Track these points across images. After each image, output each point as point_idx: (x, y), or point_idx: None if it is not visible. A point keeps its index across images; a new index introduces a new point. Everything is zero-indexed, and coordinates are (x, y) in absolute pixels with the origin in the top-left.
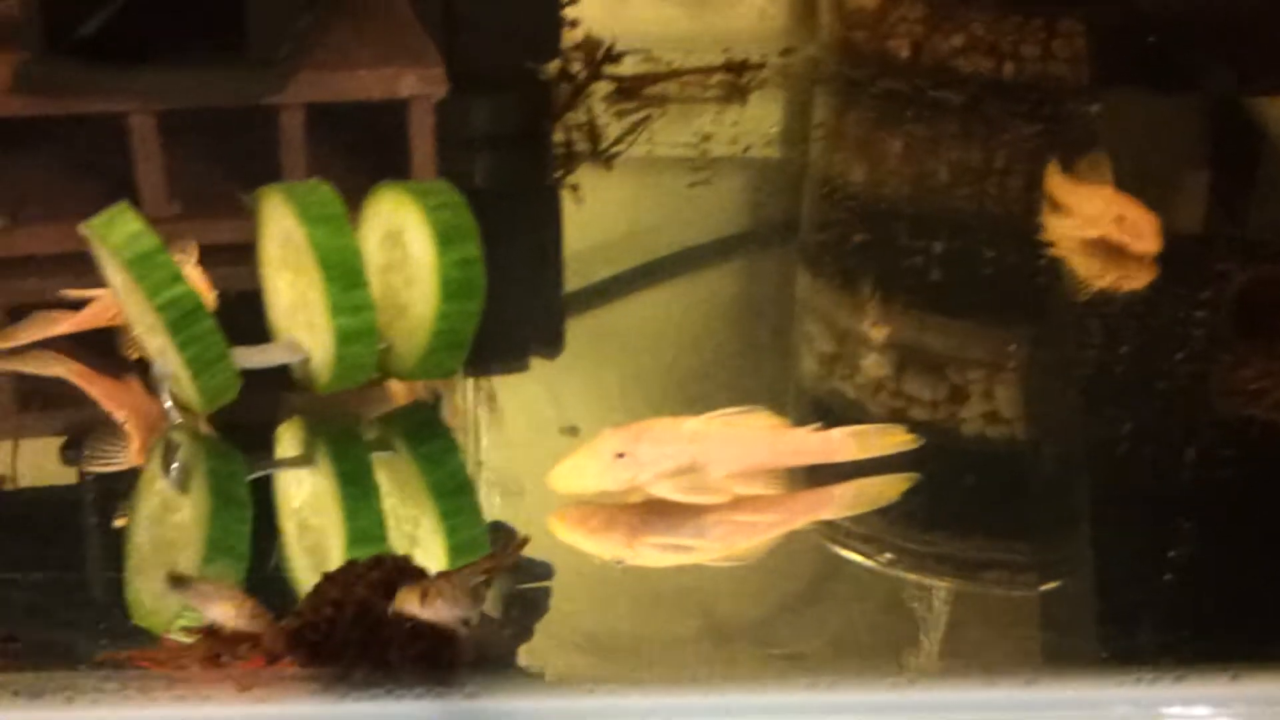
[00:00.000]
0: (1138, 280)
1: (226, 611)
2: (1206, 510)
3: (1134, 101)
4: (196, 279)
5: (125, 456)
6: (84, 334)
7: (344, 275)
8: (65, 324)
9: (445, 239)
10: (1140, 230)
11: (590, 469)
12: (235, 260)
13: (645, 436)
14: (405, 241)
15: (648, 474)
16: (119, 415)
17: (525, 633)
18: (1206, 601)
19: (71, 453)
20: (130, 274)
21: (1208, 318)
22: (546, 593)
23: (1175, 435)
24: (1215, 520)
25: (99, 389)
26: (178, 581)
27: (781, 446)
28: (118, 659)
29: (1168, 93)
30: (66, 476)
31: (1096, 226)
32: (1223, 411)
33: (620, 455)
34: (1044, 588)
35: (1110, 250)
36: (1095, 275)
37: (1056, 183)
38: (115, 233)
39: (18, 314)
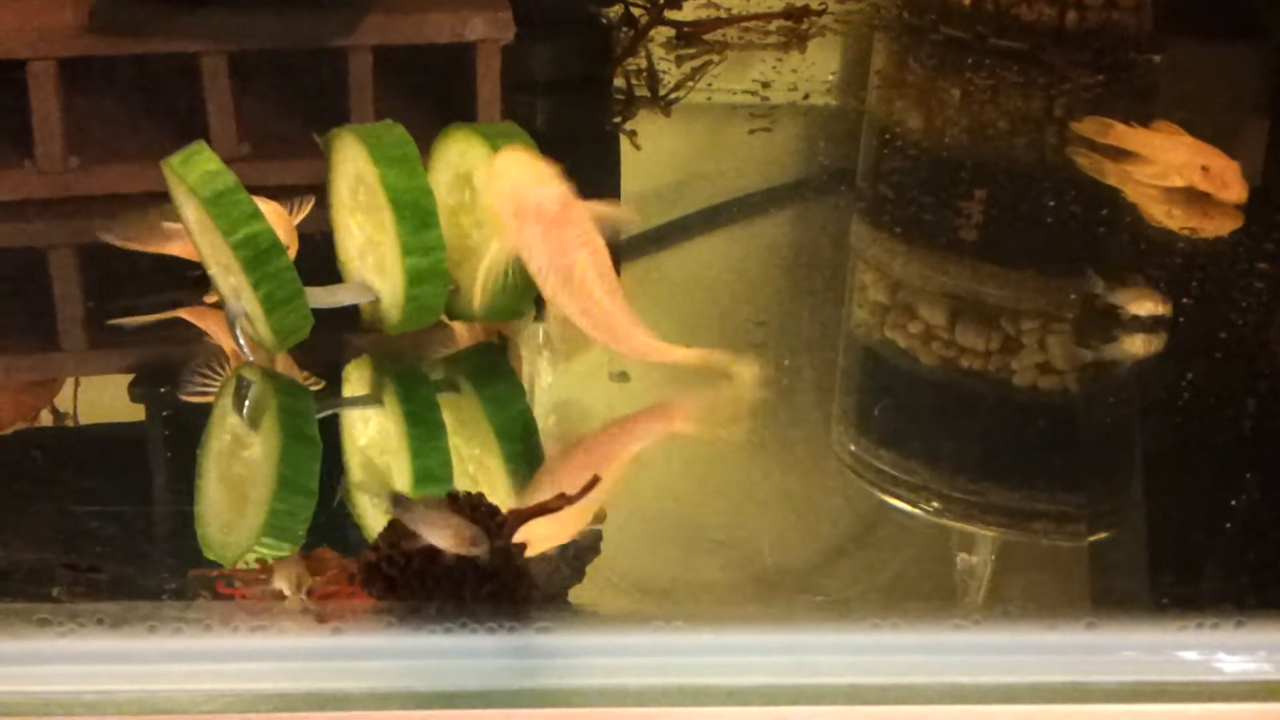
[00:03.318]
0: (1224, 228)
1: (445, 537)
2: (1267, 460)
3: (1197, 51)
4: (283, 226)
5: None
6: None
7: (415, 216)
8: (177, 245)
9: None
10: (1227, 179)
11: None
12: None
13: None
14: (475, 183)
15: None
16: (228, 349)
17: (580, 575)
18: (1267, 550)
19: (148, 389)
20: (207, 211)
21: (1269, 268)
22: (598, 537)
23: (1236, 385)
24: (1275, 470)
25: (215, 326)
26: (398, 501)
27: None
28: (206, 576)
29: (1231, 42)
30: (143, 411)
31: (1181, 175)
32: None
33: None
34: (1104, 536)
35: (1193, 199)
36: (1180, 223)
37: (1127, 131)
38: (193, 171)
39: (93, 251)
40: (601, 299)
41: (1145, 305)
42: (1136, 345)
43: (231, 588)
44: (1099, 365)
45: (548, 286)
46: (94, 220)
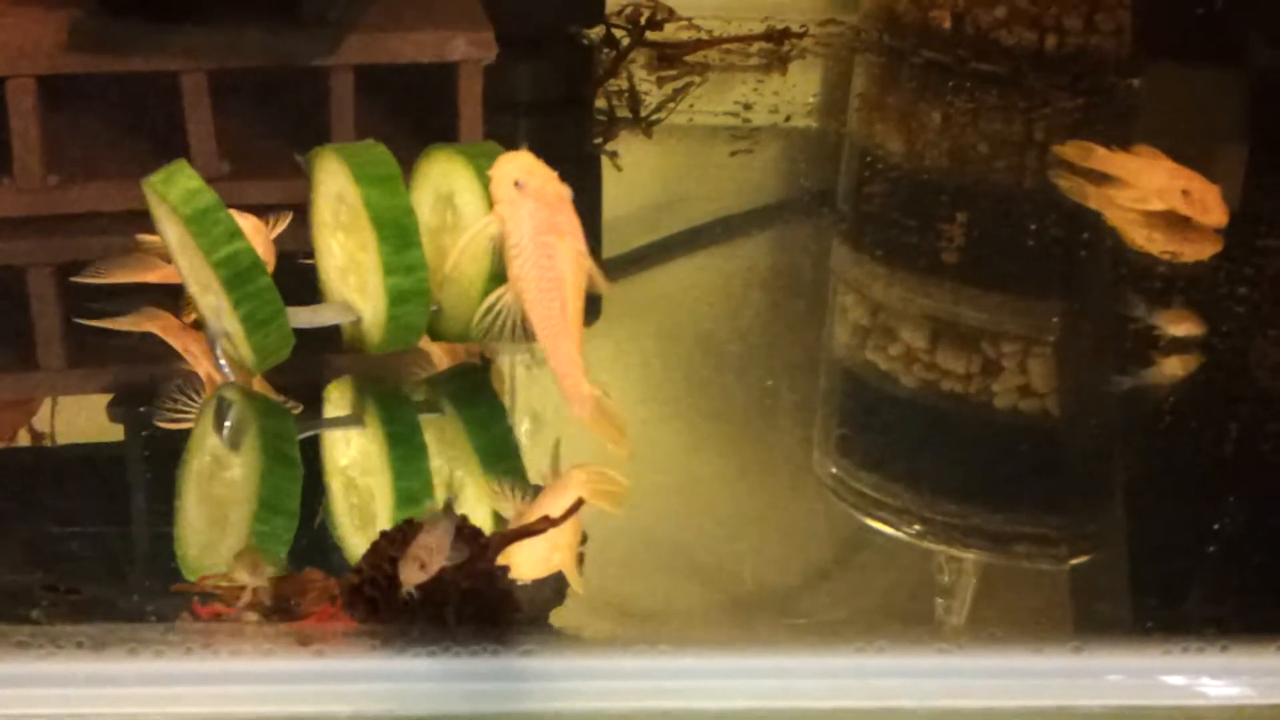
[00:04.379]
0: (1204, 251)
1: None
2: (1249, 483)
3: (1176, 76)
4: (261, 242)
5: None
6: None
7: (397, 235)
8: (156, 273)
9: None
10: (1207, 203)
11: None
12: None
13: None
14: (457, 204)
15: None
16: (202, 373)
17: (560, 596)
18: (1252, 574)
19: (127, 409)
20: (188, 230)
21: (1249, 293)
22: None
23: (1217, 408)
24: (1259, 493)
25: (188, 347)
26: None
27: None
28: (188, 591)
29: (1210, 67)
30: (122, 431)
31: (1162, 199)
32: (1264, 385)
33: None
34: (1086, 560)
35: (1173, 223)
36: (1160, 247)
37: (1108, 155)
38: (174, 189)
39: (72, 269)
40: (568, 292)
41: (1184, 326)
42: (1174, 367)
43: (209, 605)
44: (1136, 390)
45: (518, 261)
46: (73, 238)
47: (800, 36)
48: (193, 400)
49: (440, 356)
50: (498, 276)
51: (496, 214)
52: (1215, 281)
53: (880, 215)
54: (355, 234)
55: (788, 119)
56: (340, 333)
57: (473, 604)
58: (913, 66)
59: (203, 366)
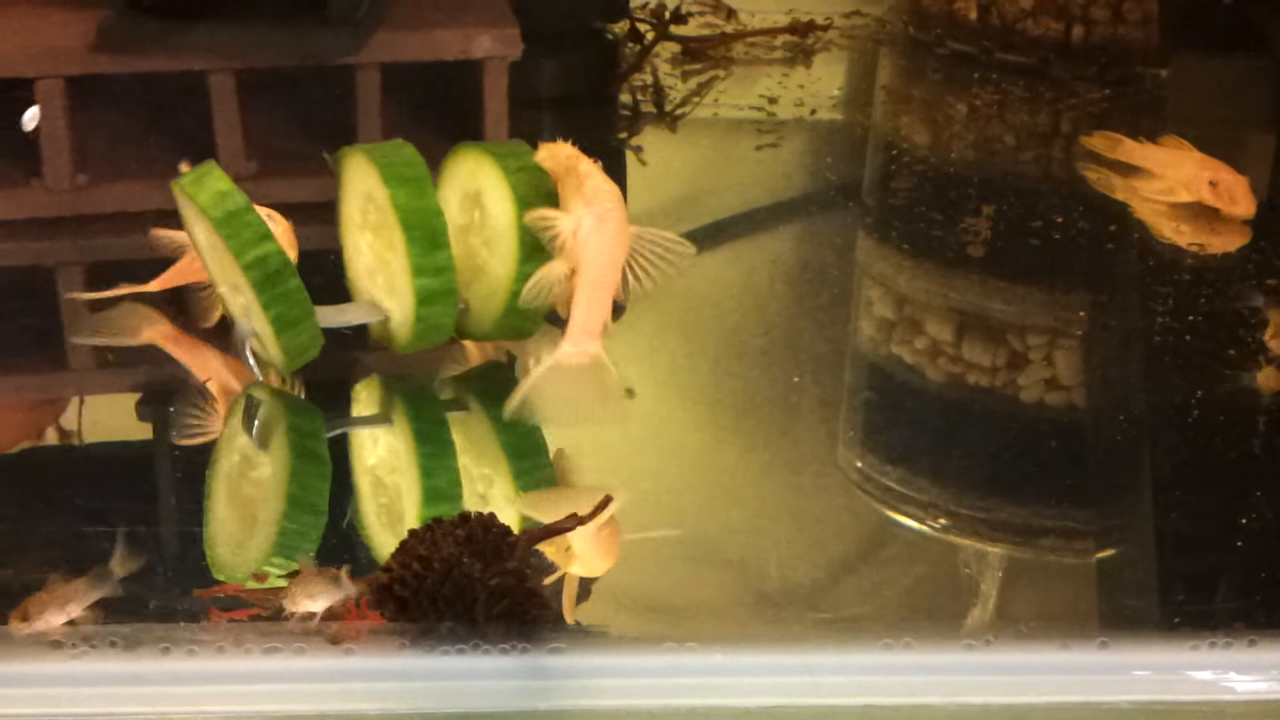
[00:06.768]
0: (1231, 243)
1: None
2: (1277, 477)
3: (1203, 66)
4: (284, 237)
5: (214, 425)
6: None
7: (426, 236)
8: (154, 282)
9: (525, 201)
10: (1235, 194)
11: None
12: (310, 219)
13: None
14: (485, 203)
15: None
16: (209, 383)
17: (586, 594)
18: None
19: (153, 411)
20: (218, 232)
21: (1277, 285)
22: None
23: (1246, 401)
24: None
25: (189, 354)
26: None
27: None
28: (216, 594)
29: (1238, 57)
30: (149, 430)
31: (1189, 190)
32: None
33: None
34: (1113, 555)
35: (1201, 214)
36: (1188, 239)
37: (1135, 147)
38: (204, 191)
39: (97, 270)
40: (612, 260)
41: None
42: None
43: (231, 610)
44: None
45: (573, 205)
46: (101, 238)
47: (825, 29)
48: (206, 412)
49: (472, 353)
50: (524, 277)
51: (569, 250)
52: (1243, 273)
53: (906, 208)
54: (383, 234)
55: (813, 112)
56: (368, 332)
57: (501, 602)
58: (938, 58)
59: (208, 375)
